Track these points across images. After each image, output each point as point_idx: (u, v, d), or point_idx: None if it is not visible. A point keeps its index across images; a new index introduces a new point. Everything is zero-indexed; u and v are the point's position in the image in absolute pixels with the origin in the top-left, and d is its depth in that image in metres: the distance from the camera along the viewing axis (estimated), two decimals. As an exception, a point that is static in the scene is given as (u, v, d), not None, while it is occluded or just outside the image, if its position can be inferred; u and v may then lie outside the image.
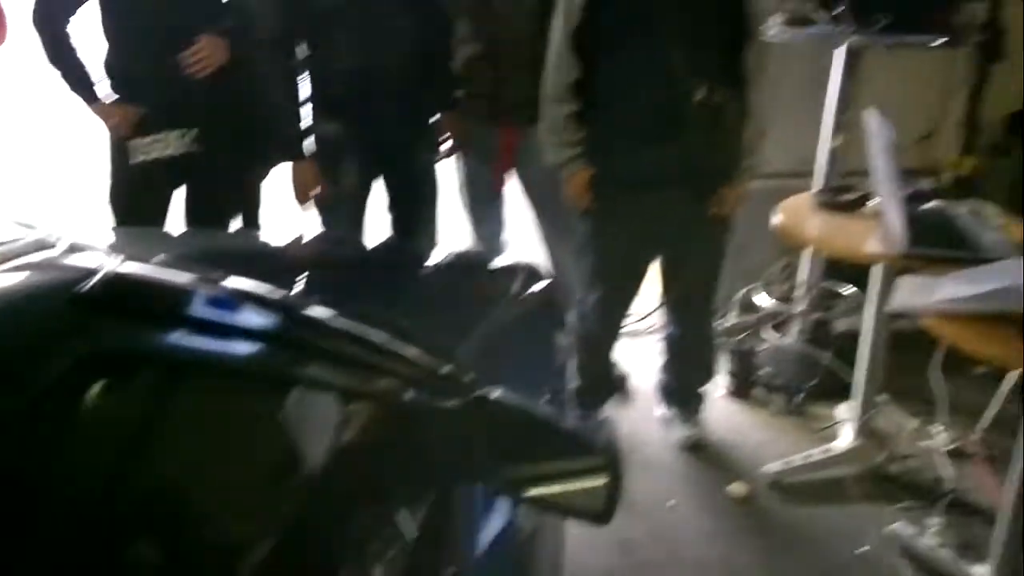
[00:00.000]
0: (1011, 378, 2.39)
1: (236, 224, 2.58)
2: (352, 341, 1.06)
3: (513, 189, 2.67)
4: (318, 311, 1.14)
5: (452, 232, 2.75)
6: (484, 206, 2.69)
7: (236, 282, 1.11)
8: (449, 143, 2.55)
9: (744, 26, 2.17)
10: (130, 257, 0.89)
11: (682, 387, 2.62)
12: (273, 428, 0.94)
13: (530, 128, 2.39)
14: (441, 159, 2.59)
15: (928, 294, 1.69)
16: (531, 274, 1.79)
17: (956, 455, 2.40)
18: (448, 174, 2.66)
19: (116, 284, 0.82)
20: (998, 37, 2.84)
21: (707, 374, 2.64)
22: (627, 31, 2.11)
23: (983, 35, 2.76)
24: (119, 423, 0.75)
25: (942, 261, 1.83)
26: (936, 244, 1.91)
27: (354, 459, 0.98)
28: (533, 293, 1.72)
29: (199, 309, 0.98)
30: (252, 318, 1.01)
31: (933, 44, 2.56)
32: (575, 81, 2.20)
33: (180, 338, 0.85)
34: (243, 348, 0.95)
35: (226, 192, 2.51)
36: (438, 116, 2.50)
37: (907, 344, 2.48)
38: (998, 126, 3.21)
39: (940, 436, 2.48)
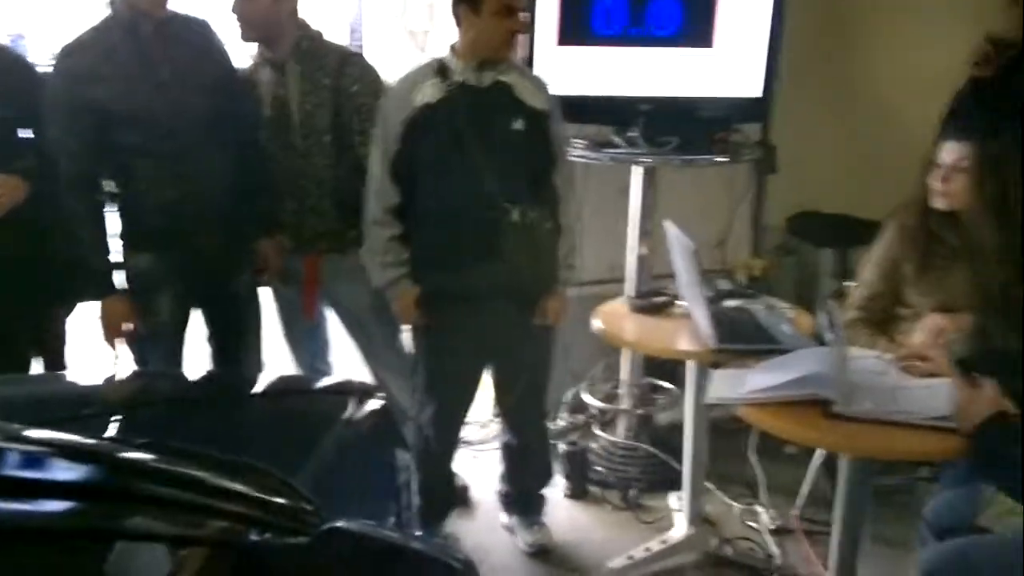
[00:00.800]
0: (819, 456, 2.60)
1: (37, 366, 2.40)
2: (178, 484, 1.00)
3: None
4: (137, 455, 1.08)
5: (278, 358, 2.69)
6: (299, 331, 2.67)
7: (44, 433, 1.03)
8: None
9: (550, 150, 2.34)
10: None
11: (522, 493, 2.65)
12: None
13: (333, 256, 2.46)
14: (260, 286, 2.55)
15: (739, 385, 1.83)
16: (363, 393, 1.77)
17: (781, 532, 2.55)
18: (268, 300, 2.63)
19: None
20: (770, 153, 3.22)
21: (545, 477, 2.68)
22: (441, 159, 2.23)
23: (757, 152, 3.12)
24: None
25: (747, 354, 2.01)
26: (740, 339, 2.09)
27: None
28: (367, 412, 1.70)
29: (3, 468, 0.90)
30: (63, 471, 0.95)
31: (716, 161, 2.86)
32: (395, 205, 2.27)
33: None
34: (56, 505, 0.88)
35: (21, 333, 2.37)
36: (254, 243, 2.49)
37: (725, 431, 2.65)
38: (781, 229, 3.59)
39: (763, 516, 2.63)
